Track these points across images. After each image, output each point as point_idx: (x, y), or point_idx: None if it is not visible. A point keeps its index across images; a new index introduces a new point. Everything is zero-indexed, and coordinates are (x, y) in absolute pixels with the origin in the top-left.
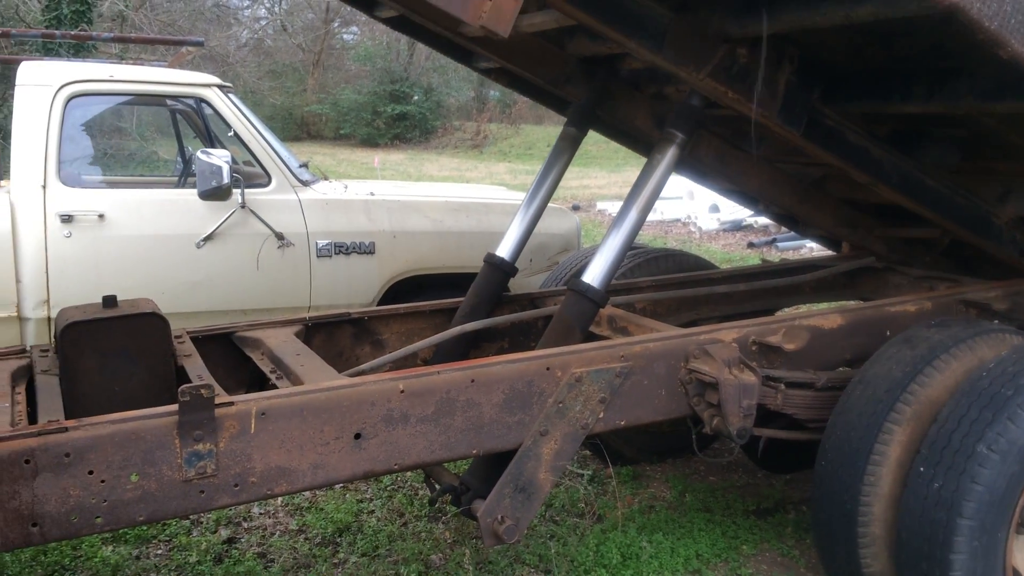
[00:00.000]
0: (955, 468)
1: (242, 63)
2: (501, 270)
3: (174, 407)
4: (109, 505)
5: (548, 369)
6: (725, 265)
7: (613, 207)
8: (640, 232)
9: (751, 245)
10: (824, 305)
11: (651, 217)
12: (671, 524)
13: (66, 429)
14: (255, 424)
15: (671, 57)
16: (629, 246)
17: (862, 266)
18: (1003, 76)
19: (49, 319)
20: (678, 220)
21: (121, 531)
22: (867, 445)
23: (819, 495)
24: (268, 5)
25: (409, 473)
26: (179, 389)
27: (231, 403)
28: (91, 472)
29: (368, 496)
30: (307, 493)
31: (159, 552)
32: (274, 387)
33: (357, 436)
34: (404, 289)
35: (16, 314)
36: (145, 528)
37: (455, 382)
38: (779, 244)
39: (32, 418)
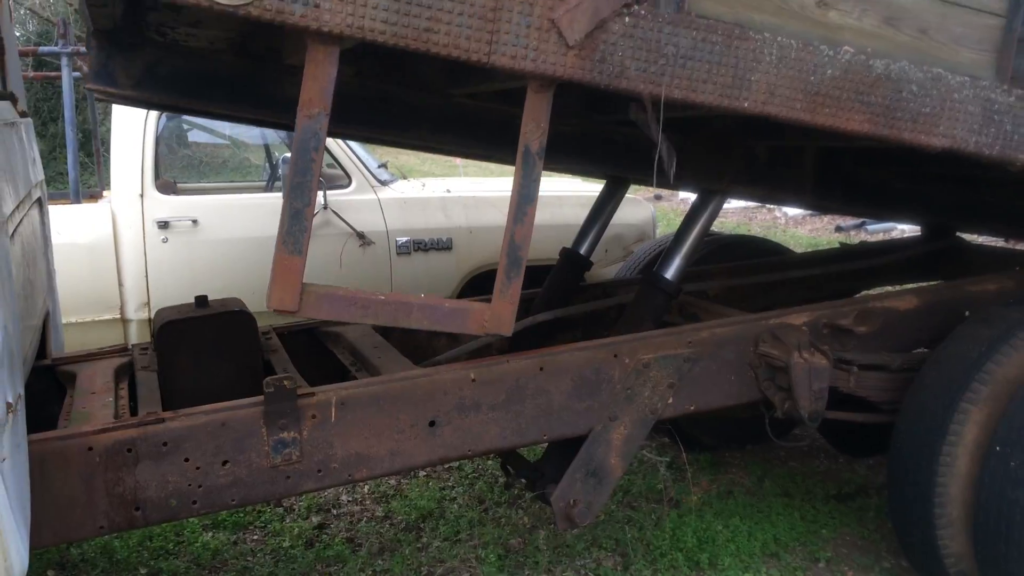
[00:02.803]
0: None
1: None
2: (576, 263)
3: (260, 398)
4: (204, 490)
5: (616, 356)
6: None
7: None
8: (723, 219)
9: (839, 229)
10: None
11: (736, 204)
12: (749, 509)
13: (163, 420)
14: (335, 413)
15: None
16: (704, 235)
17: (943, 247)
18: None
19: (150, 320)
20: (763, 206)
21: (219, 518)
22: (943, 426)
23: (895, 477)
24: None
25: (489, 461)
26: (264, 381)
27: (312, 394)
28: (187, 459)
29: (451, 484)
30: (392, 481)
31: (255, 537)
32: (353, 379)
33: (432, 424)
34: (482, 283)
35: (120, 316)
36: (242, 515)
37: (524, 370)
38: (868, 227)
39: (133, 411)
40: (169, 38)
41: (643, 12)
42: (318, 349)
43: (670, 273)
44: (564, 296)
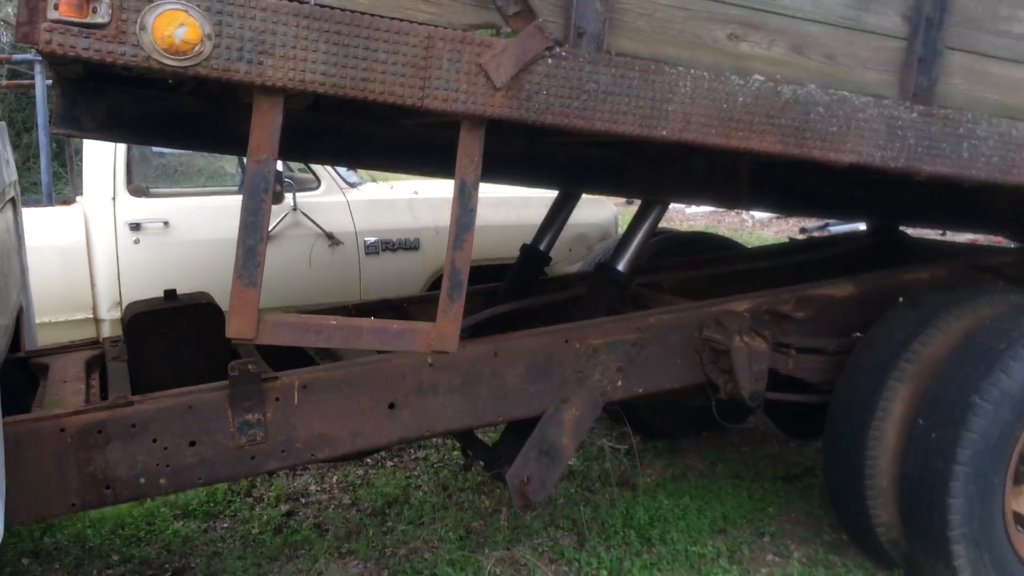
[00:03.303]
0: (951, 418)
1: None
2: (535, 258)
3: (226, 382)
4: (171, 469)
5: (567, 341)
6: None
7: None
8: (692, 222)
9: (803, 231)
10: None
11: (704, 207)
12: (700, 490)
13: (132, 403)
14: (298, 396)
15: None
16: (651, 233)
17: (886, 240)
18: None
19: (122, 320)
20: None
21: (190, 507)
22: (872, 403)
23: (830, 452)
24: None
25: (454, 452)
26: (229, 365)
27: (276, 377)
28: (155, 440)
29: (416, 473)
30: (359, 471)
31: (224, 525)
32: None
33: (391, 406)
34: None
35: (92, 316)
36: (212, 505)
37: (479, 355)
38: (831, 229)
39: (104, 398)
40: (133, 73)
41: (564, 53)
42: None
43: (621, 265)
44: (524, 290)
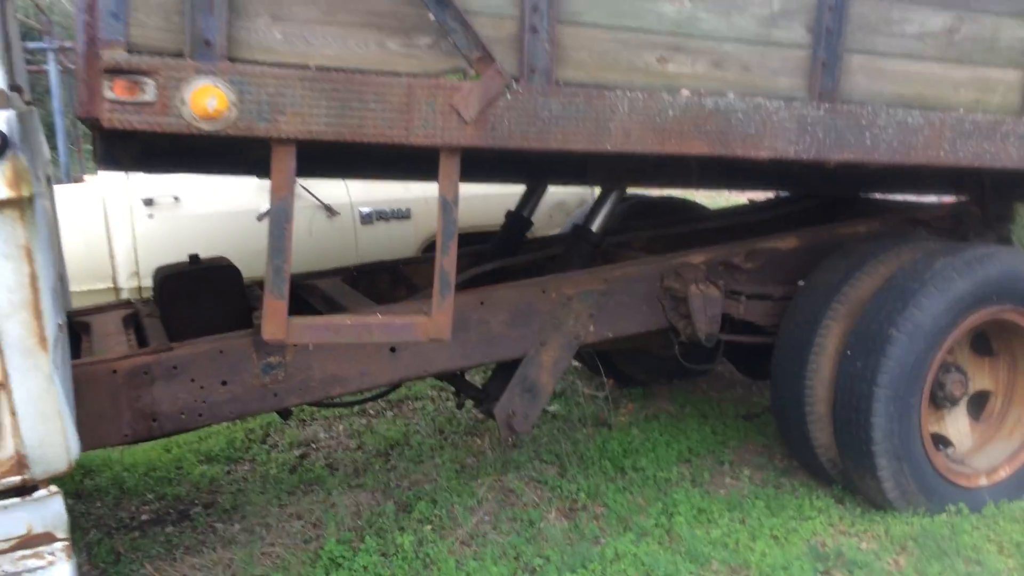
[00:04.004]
0: (873, 349)
1: None
2: (518, 222)
3: (251, 330)
4: (208, 405)
5: (544, 291)
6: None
7: None
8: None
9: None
10: None
11: None
12: (669, 427)
13: (172, 348)
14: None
15: None
16: (621, 198)
17: (837, 199)
18: None
19: (139, 288)
20: None
21: (213, 453)
22: (809, 339)
23: (775, 386)
24: None
25: (449, 403)
26: (253, 314)
27: (291, 320)
28: (192, 380)
29: (415, 420)
30: (363, 420)
31: (245, 468)
32: None
33: (392, 350)
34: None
35: (112, 285)
36: (232, 451)
37: (467, 304)
38: None
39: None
40: None
41: (520, 88)
42: (296, 298)
43: (593, 227)
44: (508, 250)
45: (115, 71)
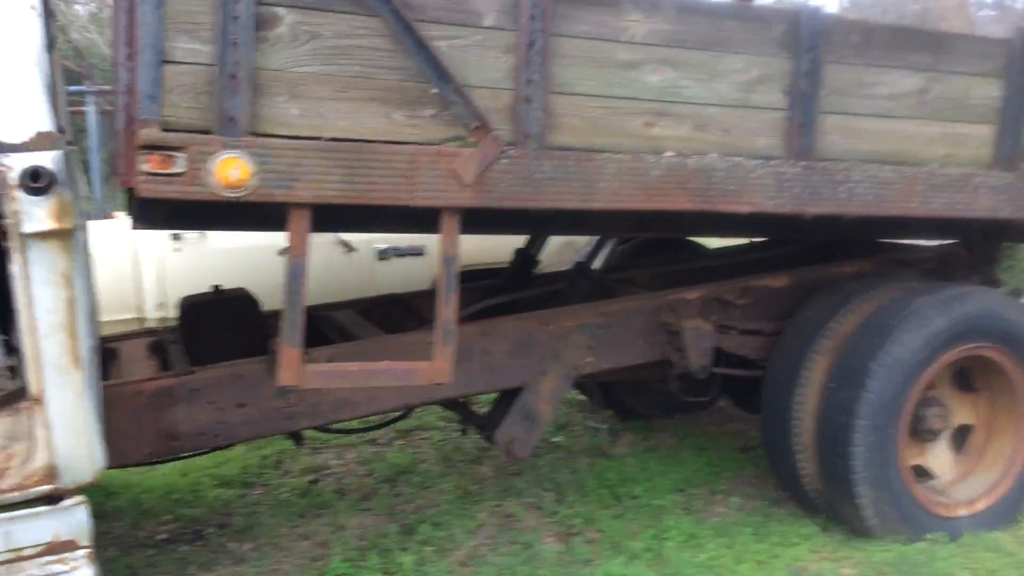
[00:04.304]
0: (853, 382)
1: None
2: (526, 259)
3: (267, 356)
4: (225, 426)
5: (544, 324)
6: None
7: None
8: None
9: None
10: None
11: None
12: (666, 458)
13: (193, 372)
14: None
15: None
16: (617, 242)
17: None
18: None
19: (165, 318)
20: None
21: (227, 477)
22: (796, 372)
23: (765, 417)
24: None
25: (455, 434)
26: (268, 342)
27: (307, 352)
28: (211, 402)
29: (422, 449)
30: (373, 449)
31: (258, 491)
32: None
33: None
34: None
35: (139, 315)
36: (246, 476)
37: (471, 335)
38: None
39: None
40: None
41: (515, 153)
42: (313, 328)
43: (594, 264)
44: (516, 285)
45: (150, 147)
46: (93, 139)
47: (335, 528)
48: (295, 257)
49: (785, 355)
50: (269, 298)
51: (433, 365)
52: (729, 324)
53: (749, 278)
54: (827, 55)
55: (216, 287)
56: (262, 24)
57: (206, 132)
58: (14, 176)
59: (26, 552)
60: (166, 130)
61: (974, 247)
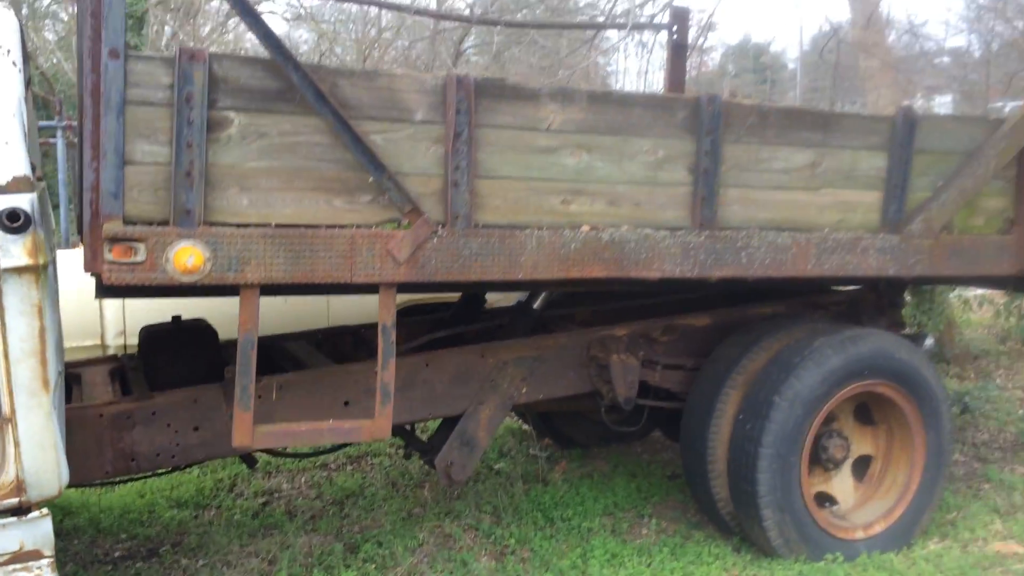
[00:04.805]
0: (760, 413)
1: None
2: (474, 295)
3: (222, 383)
4: (181, 447)
5: (483, 356)
6: None
7: None
8: None
9: None
10: None
11: None
12: (599, 484)
13: (152, 397)
14: (276, 393)
15: None
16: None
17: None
18: None
19: (125, 346)
20: None
21: (182, 499)
22: (712, 404)
23: (684, 445)
24: None
25: (402, 461)
26: (225, 368)
27: (260, 379)
28: (169, 425)
29: (371, 474)
30: (323, 473)
31: (212, 513)
32: None
33: (346, 403)
34: (409, 312)
35: (101, 343)
36: (201, 497)
37: (415, 365)
38: None
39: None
40: None
41: (444, 233)
42: (266, 358)
43: (535, 304)
44: (463, 320)
45: (113, 239)
46: (61, 171)
47: (283, 547)
48: (245, 331)
49: (703, 388)
50: (226, 328)
51: (375, 423)
52: (653, 359)
53: (674, 317)
54: (726, 136)
55: (176, 317)
56: (214, 127)
57: (164, 223)
58: None
59: None
60: (128, 223)
61: (880, 292)
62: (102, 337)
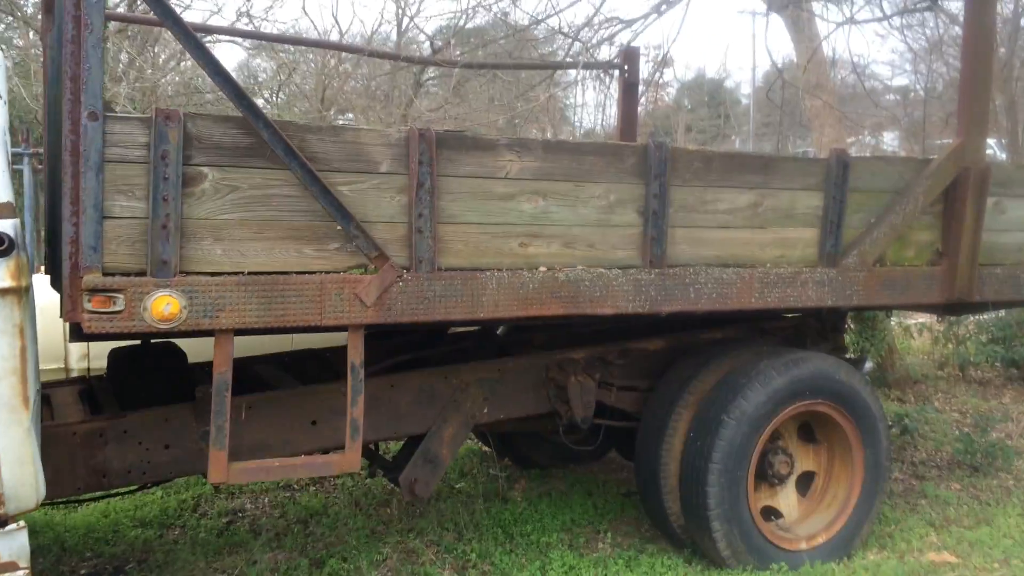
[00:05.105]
0: (709, 431)
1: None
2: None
3: (192, 402)
4: (152, 464)
5: (446, 378)
6: None
7: None
8: None
9: None
10: None
11: None
12: (557, 502)
13: (124, 415)
14: (245, 413)
15: None
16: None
17: None
18: None
19: (88, 369)
20: None
21: (147, 518)
22: (664, 424)
23: (637, 463)
24: (267, 96)
25: (367, 480)
26: (196, 388)
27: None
28: (140, 443)
29: (335, 494)
30: (287, 493)
31: (176, 532)
32: None
33: (313, 422)
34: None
35: (64, 366)
36: (165, 517)
37: (380, 386)
38: None
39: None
40: None
41: (409, 276)
42: (235, 379)
43: (498, 329)
44: (429, 343)
45: (93, 290)
46: (27, 198)
47: (249, 562)
48: (220, 374)
49: (656, 408)
50: (195, 351)
51: (344, 457)
52: (609, 381)
53: (628, 341)
54: (673, 179)
55: (144, 339)
56: (188, 182)
57: (141, 274)
58: None
59: None
60: (107, 274)
61: (823, 319)
62: (65, 360)
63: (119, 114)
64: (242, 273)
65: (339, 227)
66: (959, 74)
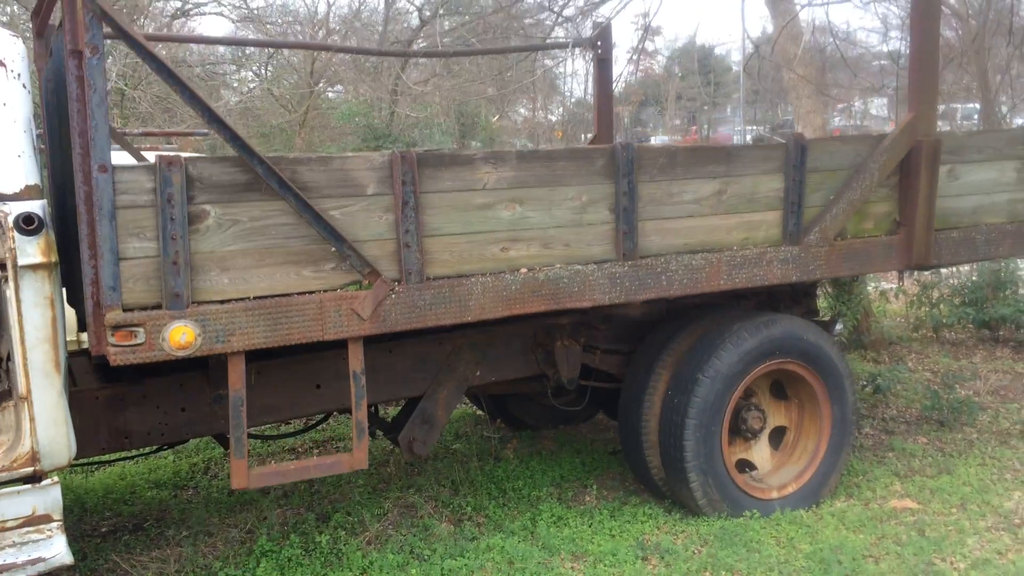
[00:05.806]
0: (686, 389)
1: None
2: None
3: (205, 369)
4: (169, 427)
5: (440, 343)
6: None
7: None
8: None
9: None
10: None
11: None
12: (547, 459)
13: (144, 381)
14: (254, 378)
15: None
16: None
17: None
18: None
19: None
20: None
21: (161, 480)
22: (646, 383)
23: (621, 420)
24: (255, 69)
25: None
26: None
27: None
28: (158, 406)
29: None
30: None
31: (189, 492)
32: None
33: (318, 386)
34: None
35: (76, 339)
36: (178, 479)
37: (379, 351)
38: None
39: None
40: None
41: (400, 288)
42: None
43: None
44: None
45: (116, 327)
46: None
47: (260, 518)
48: (235, 391)
49: (637, 370)
50: None
51: (353, 456)
52: (594, 344)
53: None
54: (641, 176)
55: None
56: (193, 219)
57: (157, 307)
58: (11, 220)
59: (9, 524)
60: (126, 310)
61: (795, 285)
62: (77, 335)
63: (126, 165)
64: (248, 298)
65: (333, 248)
66: (908, 50)
